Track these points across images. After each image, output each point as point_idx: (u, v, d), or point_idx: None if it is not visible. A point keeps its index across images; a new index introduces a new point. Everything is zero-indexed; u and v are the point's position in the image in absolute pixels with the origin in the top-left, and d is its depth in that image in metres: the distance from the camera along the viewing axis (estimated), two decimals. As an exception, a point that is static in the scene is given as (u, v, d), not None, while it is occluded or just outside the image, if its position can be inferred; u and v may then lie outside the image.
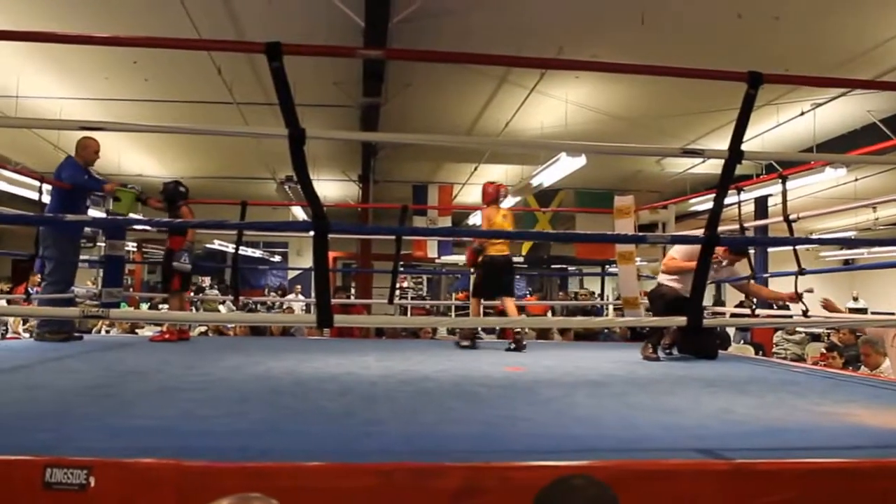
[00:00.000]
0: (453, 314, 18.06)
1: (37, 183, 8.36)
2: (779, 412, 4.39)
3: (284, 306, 17.24)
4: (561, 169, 13.87)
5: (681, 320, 4.48)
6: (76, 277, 8.81)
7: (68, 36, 4.66)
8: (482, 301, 9.32)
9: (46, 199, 8.19)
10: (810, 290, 7.48)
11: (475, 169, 18.74)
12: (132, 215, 8.98)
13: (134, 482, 2.74)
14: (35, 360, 6.44)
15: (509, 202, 18.55)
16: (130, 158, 17.97)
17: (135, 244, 20.92)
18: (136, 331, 11.91)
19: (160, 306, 14.46)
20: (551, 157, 13.86)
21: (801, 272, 7.37)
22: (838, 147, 14.56)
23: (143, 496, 2.71)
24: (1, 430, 3.49)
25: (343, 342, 9.79)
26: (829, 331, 13.74)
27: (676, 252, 7.76)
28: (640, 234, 6.62)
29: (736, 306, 13.11)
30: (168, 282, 8.77)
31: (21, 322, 12.59)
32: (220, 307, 15.53)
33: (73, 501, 2.68)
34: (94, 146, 8.27)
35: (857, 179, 17.18)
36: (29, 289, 9.01)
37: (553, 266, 25.22)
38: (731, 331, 14.41)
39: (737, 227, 8.42)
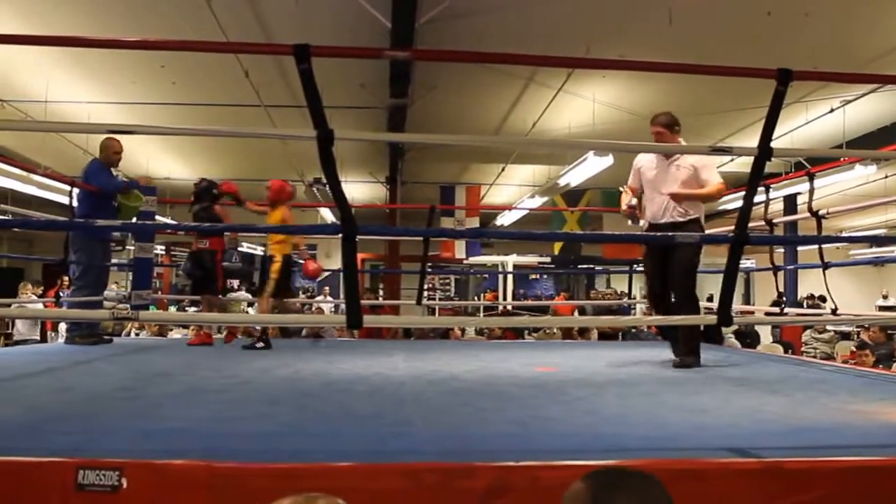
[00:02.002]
0: (482, 314, 18.07)
1: (66, 187, 8.42)
2: (809, 411, 4.36)
3: (314, 307, 17.28)
4: (588, 168, 13.86)
5: (711, 319, 4.46)
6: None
7: (96, 40, 4.71)
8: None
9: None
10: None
11: (503, 169, 18.72)
12: (160, 219, 9.00)
13: (165, 483, 2.75)
14: (65, 362, 6.49)
15: (537, 202, 18.55)
16: (159, 162, 18.07)
17: (163, 247, 21.05)
18: (166, 333, 11.97)
19: (188, 308, 14.54)
20: (579, 156, 13.85)
21: (826, 266, 7.34)
22: (868, 144, 14.45)
23: (174, 497, 2.73)
24: (33, 432, 3.52)
25: (371, 343, 9.81)
26: (858, 329, 13.67)
27: None
28: (669, 234, 6.57)
29: (771, 305, 13.03)
30: (214, 282, 8.80)
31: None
32: (249, 309, 15.56)
33: (105, 503, 2.70)
34: (114, 146, 8.31)
35: (887, 177, 17.04)
36: (60, 293, 9.06)
37: (580, 266, 25.20)
38: (760, 329, 14.33)
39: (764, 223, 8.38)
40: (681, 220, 6.60)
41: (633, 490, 1.89)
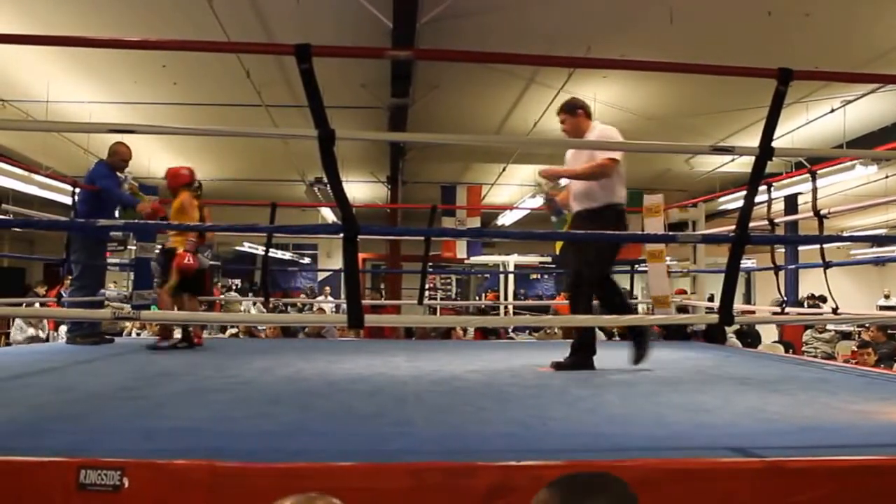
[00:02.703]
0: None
1: (68, 187, 8.43)
2: (811, 410, 4.36)
3: (315, 307, 17.29)
4: (589, 168, 13.83)
5: (712, 318, 4.46)
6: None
7: (97, 40, 4.71)
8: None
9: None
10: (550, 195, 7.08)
11: (504, 169, 18.71)
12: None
13: (167, 483, 2.75)
14: (66, 362, 6.50)
15: (538, 202, 18.52)
16: (161, 162, 18.02)
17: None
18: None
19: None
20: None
21: (828, 265, 7.34)
22: (869, 144, 14.44)
23: (176, 497, 2.73)
24: (35, 431, 3.53)
25: (373, 343, 9.82)
26: (859, 329, 13.68)
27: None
28: (671, 233, 6.55)
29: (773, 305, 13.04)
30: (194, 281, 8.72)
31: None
32: (252, 309, 15.58)
33: (107, 502, 2.70)
34: (124, 154, 8.35)
35: (887, 177, 17.03)
36: (62, 292, 9.07)
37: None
38: (761, 329, 14.32)
39: (766, 223, 8.37)
40: (594, 206, 6.32)
41: (602, 492, 1.89)
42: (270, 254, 10.32)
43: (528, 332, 13.61)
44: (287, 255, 29.00)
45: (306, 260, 30.36)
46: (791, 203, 17.28)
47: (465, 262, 20.76)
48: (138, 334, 12.70)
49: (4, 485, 2.76)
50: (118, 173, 8.41)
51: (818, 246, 7.96)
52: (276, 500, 1.89)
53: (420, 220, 16.25)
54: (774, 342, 13.45)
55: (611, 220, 6.23)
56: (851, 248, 26.82)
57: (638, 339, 6.43)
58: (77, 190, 8.21)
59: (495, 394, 4.93)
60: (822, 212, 7.26)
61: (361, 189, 21.53)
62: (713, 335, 9.46)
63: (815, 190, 7.43)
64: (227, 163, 19.12)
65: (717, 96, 12.72)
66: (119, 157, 8.35)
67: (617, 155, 6.30)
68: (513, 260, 24.32)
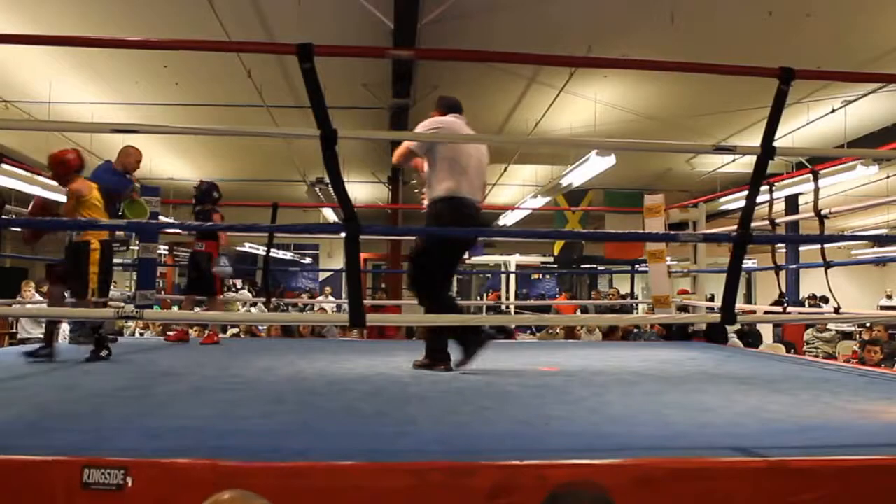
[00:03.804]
0: (484, 313, 18.05)
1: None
2: (813, 410, 4.36)
3: (316, 307, 17.29)
4: (590, 168, 13.82)
5: (714, 317, 4.46)
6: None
7: (98, 40, 4.70)
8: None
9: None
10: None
11: (505, 169, 18.70)
12: (163, 219, 8.99)
13: (170, 482, 2.76)
14: (68, 362, 6.50)
15: (539, 202, 18.53)
16: (162, 162, 18.06)
17: (166, 247, 21.05)
18: (169, 333, 11.99)
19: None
20: (581, 156, 13.84)
21: (829, 265, 7.33)
22: (870, 145, 14.45)
23: (179, 496, 2.73)
24: (38, 430, 3.53)
25: (374, 343, 9.82)
26: (860, 329, 13.68)
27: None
28: (672, 232, 6.55)
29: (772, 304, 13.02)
30: (211, 286, 8.77)
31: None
32: (253, 309, 15.56)
33: (110, 501, 2.70)
34: (136, 155, 8.37)
35: (888, 177, 17.02)
36: (64, 293, 9.07)
37: (583, 266, 25.19)
38: (762, 330, 14.32)
39: (766, 223, 8.37)
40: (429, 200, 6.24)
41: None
42: (271, 254, 10.32)
43: (528, 331, 13.63)
44: (288, 256, 28.99)
45: (307, 260, 30.36)
46: (792, 203, 17.30)
47: (467, 262, 20.78)
48: (141, 334, 12.72)
49: (8, 484, 2.77)
50: (128, 174, 8.41)
51: (819, 246, 7.94)
52: (214, 494, 1.93)
53: (420, 221, 16.26)
54: (776, 342, 13.46)
55: (433, 217, 6.28)
56: (852, 248, 26.82)
57: (465, 340, 6.05)
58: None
59: (497, 393, 4.93)
60: (822, 212, 7.25)
61: (362, 189, 21.54)
62: (714, 335, 9.45)
63: (816, 190, 7.41)
64: (229, 163, 19.14)
65: (719, 96, 12.73)
66: (132, 159, 8.37)
67: (409, 143, 6.53)
68: (514, 260, 24.31)
